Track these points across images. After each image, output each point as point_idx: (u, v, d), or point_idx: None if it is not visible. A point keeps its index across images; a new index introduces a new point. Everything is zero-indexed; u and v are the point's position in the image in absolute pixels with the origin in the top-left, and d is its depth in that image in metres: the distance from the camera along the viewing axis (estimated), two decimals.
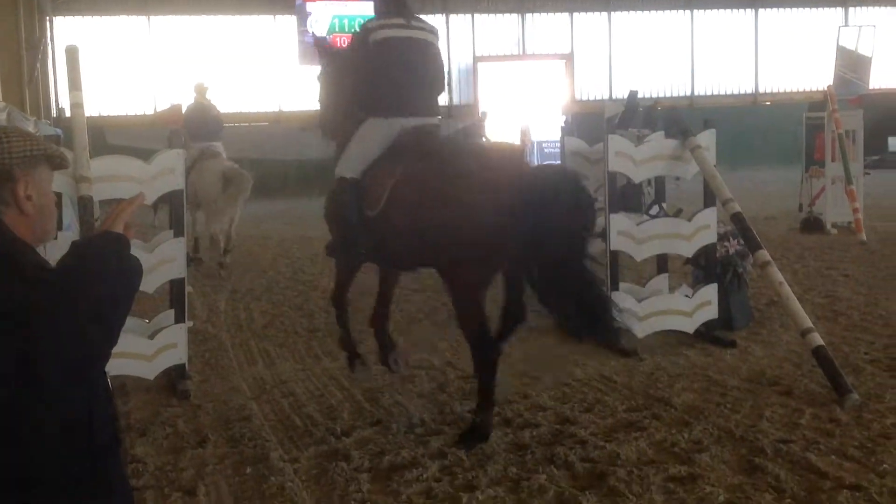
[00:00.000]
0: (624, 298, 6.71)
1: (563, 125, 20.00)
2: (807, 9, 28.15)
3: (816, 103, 17.82)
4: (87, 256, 2.06)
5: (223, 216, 10.70)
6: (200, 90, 12.40)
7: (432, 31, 5.54)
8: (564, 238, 4.52)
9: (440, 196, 4.78)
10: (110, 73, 22.80)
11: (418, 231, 4.86)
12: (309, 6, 24.13)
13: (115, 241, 2.11)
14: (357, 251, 5.23)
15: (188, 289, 6.42)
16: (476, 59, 25.95)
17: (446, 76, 5.85)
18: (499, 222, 4.57)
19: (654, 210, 7.56)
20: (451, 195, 4.74)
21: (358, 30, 5.56)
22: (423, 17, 5.61)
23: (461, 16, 25.67)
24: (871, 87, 26.84)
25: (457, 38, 25.73)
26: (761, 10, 27.80)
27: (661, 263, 7.44)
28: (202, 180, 10.65)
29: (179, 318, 6.08)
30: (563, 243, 4.52)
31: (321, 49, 6.16)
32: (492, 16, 25.94)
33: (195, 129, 11.66)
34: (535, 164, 5.20)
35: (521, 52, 26.42)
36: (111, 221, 2.14)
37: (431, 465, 4.55)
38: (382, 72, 5.30)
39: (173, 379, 6.03)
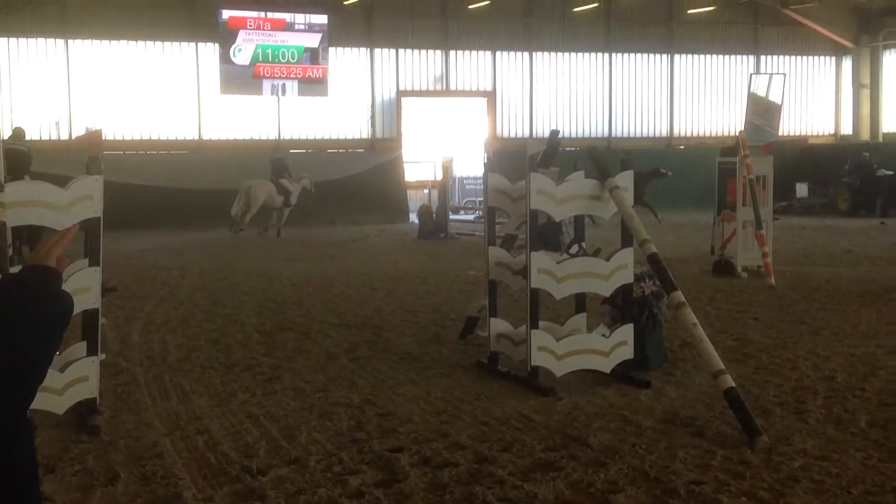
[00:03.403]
0: (543, 337, 6.80)
1: (485, 161, 20.21)
2: (720, 56, 29.10)
3: (728, 148, 18.33)
4: (15, 291, 1.97)
5: None
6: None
7: (26, 146, 15.58)
8: None
9: None
10: (26, 96, 22.30)
11: None
12: (230, 32, 23.97)
13: (47, 275, 2.01)
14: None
15: (102, 320, 6.27)
16: (399, 94, 26.11)
17: (30, 159, 14.74)
18: None
19: (574, 249, 7.66)
20: None
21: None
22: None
23: (385, 50, 25.83)
24: (780, 133, 27.80)
25: (380, 72, 25.88)
26: (676, 56, 28.64)
27: (580, 302, 7.54)
28: None
29: (91, 351, 5.92)
30: None
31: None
32: (415, 52, 26.16)
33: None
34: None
35: (444, 88, 26.69)
36: (43, 253, 2.04)
37: None
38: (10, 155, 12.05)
39: (83, 414, 5.86)
